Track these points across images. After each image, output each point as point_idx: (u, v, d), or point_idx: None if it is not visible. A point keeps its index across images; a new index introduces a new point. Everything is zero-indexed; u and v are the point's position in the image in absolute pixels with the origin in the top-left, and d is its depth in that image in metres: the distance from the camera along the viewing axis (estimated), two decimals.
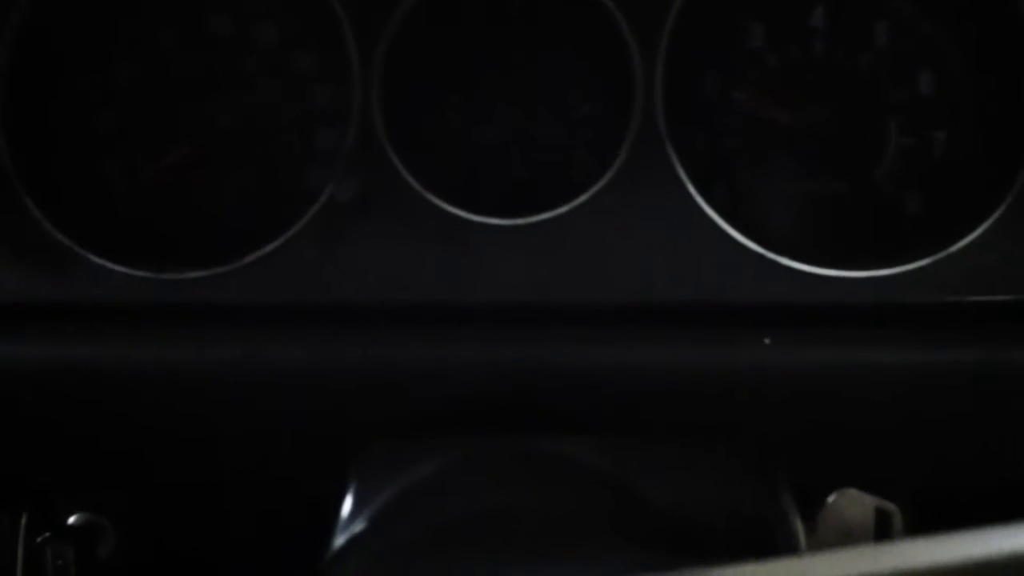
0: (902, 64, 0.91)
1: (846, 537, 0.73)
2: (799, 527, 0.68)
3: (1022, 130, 0.83)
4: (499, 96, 0.91)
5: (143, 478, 0.81)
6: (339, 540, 0.64)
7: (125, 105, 0.91)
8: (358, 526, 0.65)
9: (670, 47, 0.84)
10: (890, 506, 0.72)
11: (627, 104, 0.84)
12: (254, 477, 0.81)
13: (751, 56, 0.91)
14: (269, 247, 0.81)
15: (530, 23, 0.90)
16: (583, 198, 0.82)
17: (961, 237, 0.82)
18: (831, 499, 0.73)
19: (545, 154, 0.90)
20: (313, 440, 0.80)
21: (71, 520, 0.82)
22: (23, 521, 0.80)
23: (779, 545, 0.67)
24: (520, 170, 0.90)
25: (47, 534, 0.80)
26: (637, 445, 0.72)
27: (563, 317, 0.82)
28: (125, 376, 0.80)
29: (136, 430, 0.80)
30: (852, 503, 0.72)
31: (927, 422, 0.81)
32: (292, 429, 0.80)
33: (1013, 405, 0.81)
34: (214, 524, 0.84)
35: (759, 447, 0.77)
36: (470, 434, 0.76)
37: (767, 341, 0.80)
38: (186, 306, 0.80)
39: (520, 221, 0.82)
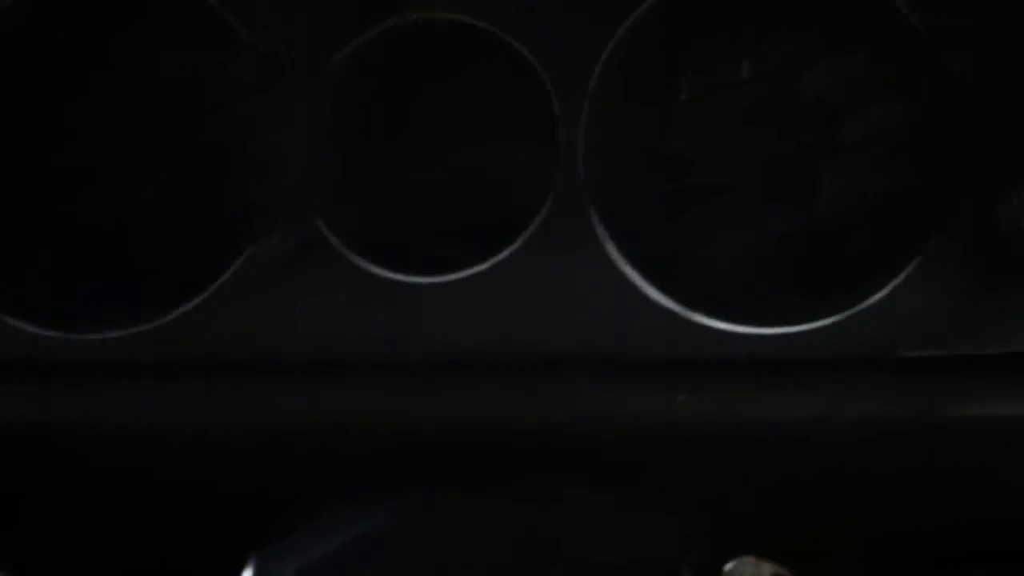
0: (833, 109, 0.91)
1: None
2: None
3: (937, 186, 0.82)
4: (429, 148, 0.91)
5: (55, 539, 0.82)
6: None
7: (53, 153, 0.91)
8: None
9: (594, 102, 0.84)
10: (785, 573, 0.72)
11: (551, 160, 0.84)
12: (170, 537, 0.82)
13: (681, 108, 0.92)
14: (191, 303, 0.82)
15: (461, 75, 0.91)
16: (503, 255, 0.83)
17: (878, 290, 0.82)
18: (728, 567, 0.74)
19: (472, 208, 0.91)
20: (227, 502, 0.81)
21: None
22: None
23: None
24: (448, 224, 0.91)
25: None
26: (542, 504, 0.72)
27: (482, 374, 0.83)
28: (39, 437, 0.81)
29: (51, 491, 0.82)
30: (748, 569, 0.73)
31: (838, 479, 0.82)
32: (210, 486, 0.81)
33: (921, 460, 0.81)
34: None
35: (666, 507, 0.78)
36: (386, 494, 0.77)
37: (681, 397, 0.81)
38: (104, 365, 0.81)
39: (440, 279, 0.83)
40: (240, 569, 0.75)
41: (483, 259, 0.83)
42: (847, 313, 0.81)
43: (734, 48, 0.91)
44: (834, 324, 0.81)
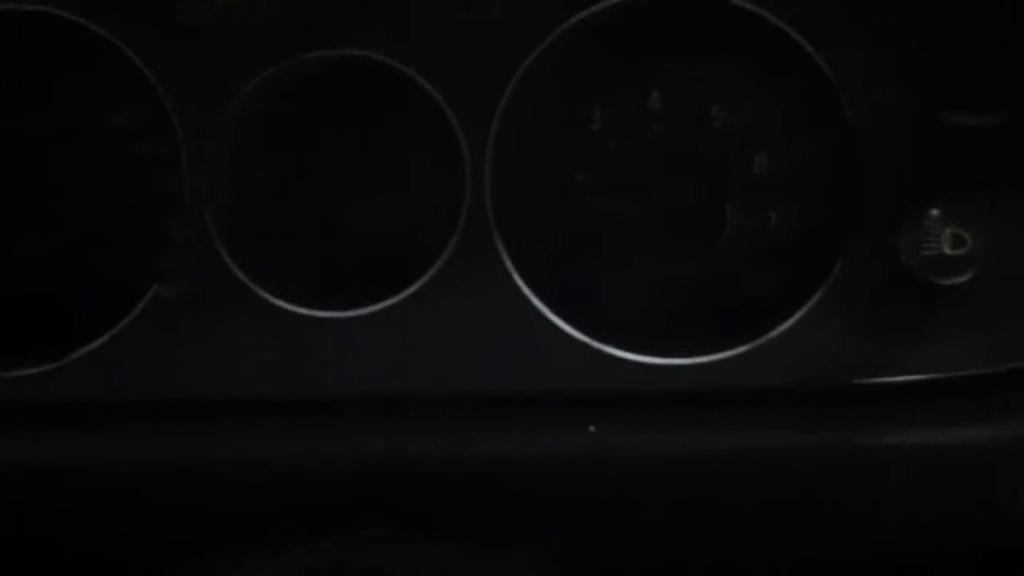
0: (737, 145, 0.92)
1: None
2: None
3: (844, 215, 0.84)
4: (336, 184, 0.91)
5: None
6: None
7: None
8: None
9: (500, 136, 0.85)
10: None
11: (458, 193, 0.85)
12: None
13: (590, 139, 0.92)
14: (95, 343, 0.81)
15: (366, 111, 0.91)
16: (412, 289, 0.83)
17: (782, 321, 0.83)
18: None
19: (386, 243, 0.91)
20: (136, 546, 0.80)
21: None
22: None
23: None
24: (360, 259, 0.91)
25: None
26: (451, 549, 0.72)
27: (395, 410, 0.83)
28: None
29: None
30: None
31: (748, 508, 0.83)
32: (119, 529, 0.80)
33: (828, 488, 0.82)
34: None
35: (580, 537, 0.79)
36: (298, 535, 0.77)
37: (592, 429, 0.81)
38: (10, 402, 0.80)
39: (349, 314, 0.83)
40: None
41: (393, 294, 0.83)
42: (753, 344, 0.82)
43: (642, 80, 0.92)
44: (741, 354, 0.82)
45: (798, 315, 0.82)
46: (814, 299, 0.82)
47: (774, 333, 0.82)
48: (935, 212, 0.78)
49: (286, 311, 0.82)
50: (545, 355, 0.82)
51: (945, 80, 0.83)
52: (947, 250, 0.77)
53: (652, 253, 0.92)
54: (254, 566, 0.71)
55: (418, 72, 0.84)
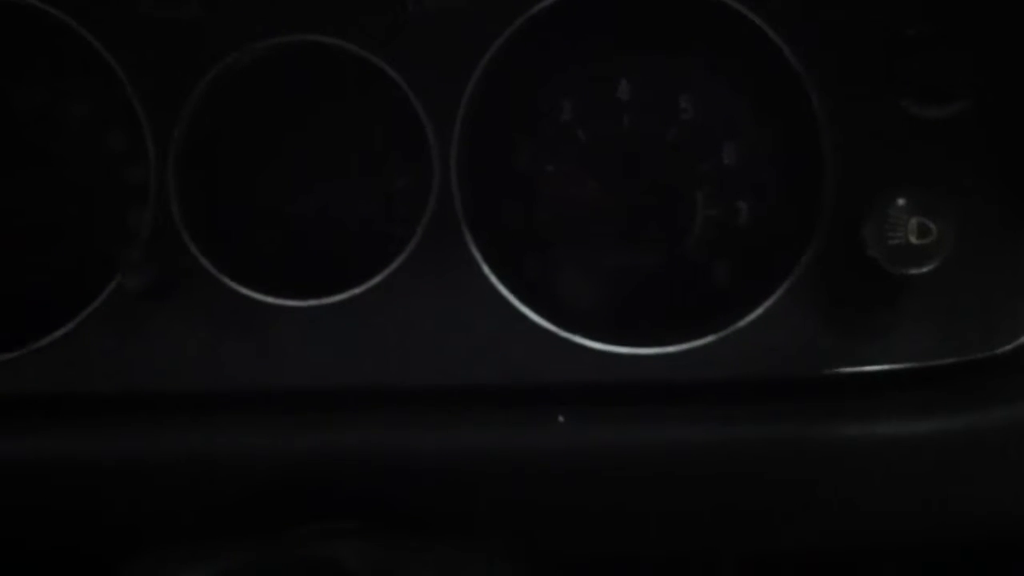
0: (706, 135, 0.92)
1: None
2: None
3: (810, 206, 0.84)
4: (302, 173, 0.91)
5: None
6: None
7: None
8: None
9: (468, 126, 0.84)
10: None
11: (425, 183, 0.84)
12: (29, 568, 0.80)
13: (560, 129, 0.92)
14: (59, 332, 0.81)
15: (331, 100, 0.90)
16: (378, 279, 0.83)
17: (750, 312, 0.83)
18: None
19: (352, 233, 0.90)
20: (95, 538, 0.79)
21: None
22: None
23: None
24: (327, 249, 0.90)
25: None
26: (405, 546, 0.72)
27: (360, 401, 0.82)
28: None
29: None
30: None
31: (715, 499, 0.83)
32: (75, 521, 0.79)
33: (798, 479, 0.82)
34: None
35: (546, 530, 0.78)
36: (264, 527, 0.76)
37: (561, 419, 0.81)
38: None
39: (316, 303, 0.82)
40: None
41: (358, 283, 0.83)
42: (720, 334, 0.82)
43: (611, 70, 0.91)
44: (708, 344, 0.82)
45: (765, 305, 0.82)
46: (781, 289, 0.82)
47: (741, 323, 0.82)
48: (901, 202, 0.78)
49: (252, 300, 0.82)
50: (512, 345, 0.82)
51: (908, 71, 0.83)
52: (913, 240, 0.78)
53: (620, 243, 0.92)
54: (210, 559, 0.71)
55: (384, 61, 0.84)
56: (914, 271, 0.77)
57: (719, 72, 0.92)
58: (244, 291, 0.82)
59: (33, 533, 0.81)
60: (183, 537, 0.77)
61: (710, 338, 0.82)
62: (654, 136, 0.93)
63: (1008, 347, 0.82)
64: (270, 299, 0.82)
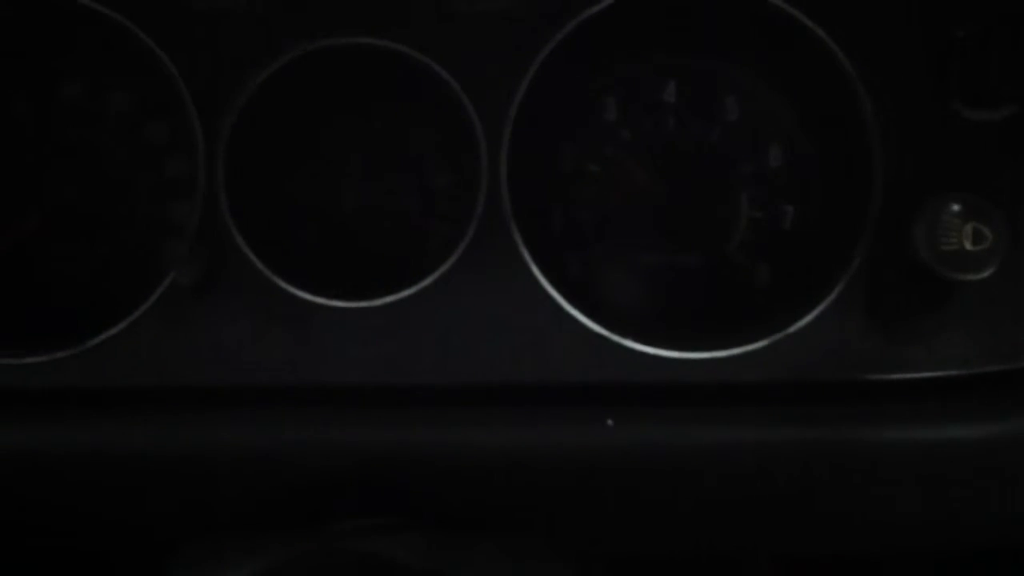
0: (752, 138, 0.92)
1: None
2: None
3: (859, 209, 0.83)
4: (350, 172, 0.91)
5: None
6: None
7: None
8: None
9: (517, 126, 0.84)
10: None
11: (474, 184, 0.84)
12: (79, 561, 0.80)
13: (606, 130, 0.92)
14: (112, 330, 0.81)
15: (381, 99, 0.90)
16: (428, 281, 0.83)
17: (801, 316, 0.83)
18: None
19: (397, 231, 0.90)
20: (147, 529, 0.79)
21: None
22: None
23: None
24: (371, 246, 0.90)
25: None
26: (458, 542, 0.72)
27: (408, 400, 0.82)
28: None
29: None
30: None
31: (764, 500, 0.83)
32: (127, 516, 0.79)
33: (842, 483, 0.82)
34: None
35: (594, 529, 0.78)
36: (308, 522, 0.76)
37: (609, 422, 0.81)
38: (24, 389, 0.79)
39: (365, 304, 0.82)
40: None
41: (409, 284, 0.83)
42: (773, 338, 0.82)
43: (659, 71, 0.91)
44: (759, 349, 0.82)
45: (817, 309, 0.82)
46: (833, 294, 0.82)
47: (792, 328, 0.82)
48: (955, 207, 0.78)
49: (302, 299, 0.82)
50: (562, 348, 0.82)
51: (958, 73, 0.83)
52: (968, 246, 0.77)
53: (664, 244, 0.92)
54: (265, 551, 0.71)
55: (436, 61, 0.83)
56: (969, 277, 0.77)
57: (766, 74, 0.92)
58: (294, 291, 0.82)
59: (84, 527, 0.81)
60: (230, 531, 0.76)
61: (762, 343, 0.82)
62: (699, 137, 0.92)
63: None
64: (320, 300, 0.82)
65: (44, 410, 0.81)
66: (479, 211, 0.83)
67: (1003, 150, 0.84)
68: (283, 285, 0.82)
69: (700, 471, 0.83)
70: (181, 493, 0.81)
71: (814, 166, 0.91)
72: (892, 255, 0.83)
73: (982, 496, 0.85)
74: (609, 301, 0.90)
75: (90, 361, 0.81)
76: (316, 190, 0.90)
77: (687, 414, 0.83)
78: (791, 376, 0.82)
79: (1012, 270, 0.81)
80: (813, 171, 0.92)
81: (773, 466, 0.83)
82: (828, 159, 0.91)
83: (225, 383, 0.82)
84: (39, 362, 0.81)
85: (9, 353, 0.81)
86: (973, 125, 0.84)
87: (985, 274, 0.77)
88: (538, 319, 0.83)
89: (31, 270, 0.90)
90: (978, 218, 0.78)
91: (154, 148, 0.90)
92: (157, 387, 0.82)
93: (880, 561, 0.91)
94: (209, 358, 0.82)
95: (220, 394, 0.82)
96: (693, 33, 0.90)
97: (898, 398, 0.83)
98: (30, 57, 0.90)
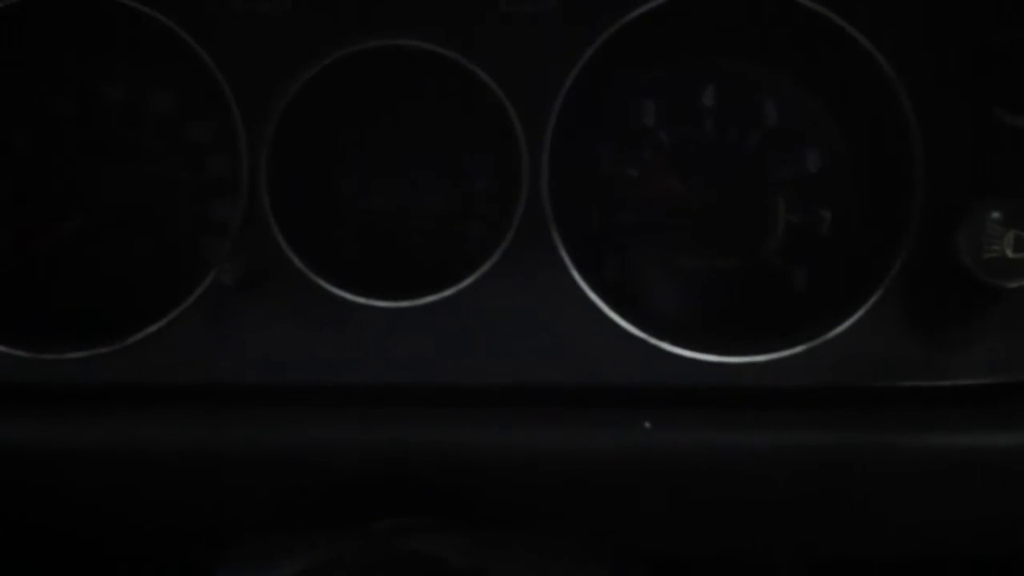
0: (790, 142, 0.92)
1: None
2: None
3: (900, 215, 0.83)
4: (390, 173, 0.91)
5: (14, 557, 0.80)
6: None
7: (10, 177, 0.90)
8: None
9: (558, 129, 0.84)
10: None
11: (515, 185, 0.84)
12: (123, 558, 0.80)
13: (644, 133, 0.92)
14: (153, 327, 0.81)
15: (421, 100, 0.90)
16: (468, 281, 0.83)
17: (839, 322, 0.83)
18: None
19: (436, 231, 0.91)
20: (190, 524, 0.80)
21: None
22: None
23: None
24: (410, 248, 0.91)
25: None
26: (502, 541, 0.72)
27: (445, 399, 0.82)
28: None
29: (10, 508, 0.80)
30: None
31: (801, 505, 0.83)
32: (168, 514, 0.80)
33: (886, 489, 0.82)
34: None
35: (631, 532, 0.78)
36: (346, 521, 0.77)
37: (647, 425, 0.81)
38: (66, 385, 0.80)
39: (405, 303, 0.83)
40: None
41: (449, 285, 0.83)
42: (812, 343, 0.82)
43: (698, 75, 0.91)
44: (798, 354, 0.82)
45: (857, 315, 0.82)
46: (872, 299, 0.82)
47: (831, 334, 0.82)
48: (997, 214, 0.77)
49: (342, 299, 0.82)
50: (600, 350, 0.82)
51: (999, 79, 0.83)
52: (1009, 253, 0.77)
53: (701, 247, 0.92)
54: (311, 549, 0.71)
55: (478, 63, 0.84)
56: (1011, 284, 0.77)
57: (805, 78, 0.91)
58: (334, 291, 0.82)
59: (125, 524, 0.82)
60: (271, 530, 0.77)
61: (800, 347, 0.82)
62: (737, 141, 0.92)
63: None
64: (360, 299, 0.82)
65: (86, 407, 0.81)
66: (519, 213, 0.83)
67: None
68: (324, 284, 0.82)
69: (737, 475, 0.83)
70: (220, 492, 0.81)
71: (852, 171, 0.91)
72: (932, 261, 0.82)
73: (1021, 502, 0.84)
74: (646, 304, 0.90)
75: (131, 357, 0.81)
76: (356, 190, 0.91)
77: (724, 418, 0.83)
78: (830, 381, 0.82)
79: None
80: (851, 176, 0.91)
81: (810, 471, 0.83)
82: (866, 164, 0.91)
83: (265, 382, 0.82)
84: (81, 358, 0.81)
85: (52, 349, 0.81)
86: (1014, 131, 0.84)
87: None
88: (576, 321, 0.83)
89: (74, 268, 0.90)
90: (1019, 225, 0.77)
91: (196, 147, 0.90)
92: (197, 385, 0.82)
93: (914, 565, 0.91)
94: (249, 356, 0.82)
95: (260, 393, 0.82)
96: (733, 37, 0.90)
97: (938, 404, 0.83)
98: (73, 57, 0.90)
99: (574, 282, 0.83)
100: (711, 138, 0.93)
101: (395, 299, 0.82)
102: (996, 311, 0.82)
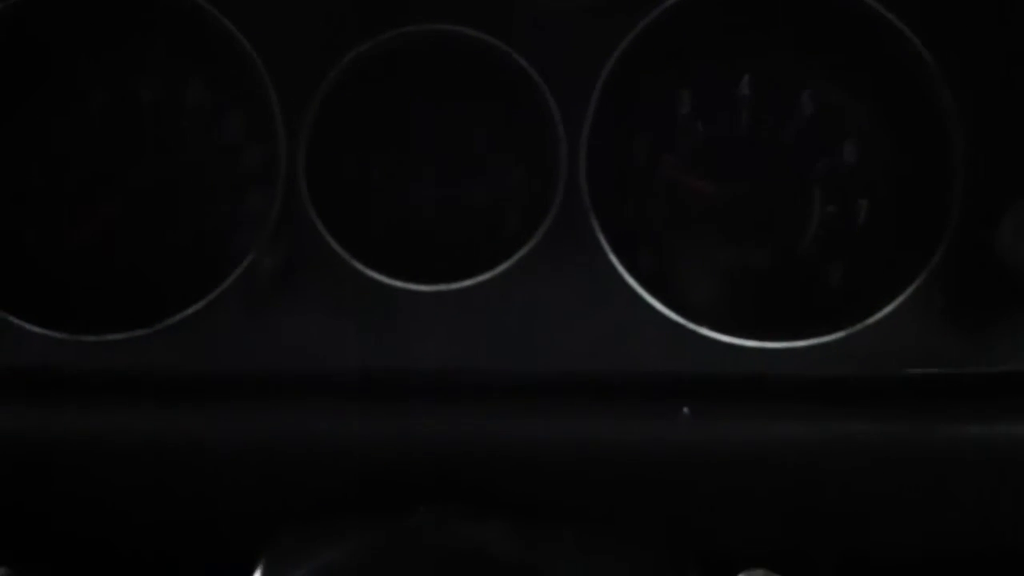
0: (826, 133, 0.92)
1: None
2: None
3: (940, 206, 0.83)
4: (428, 160, 0.91)
5: (52, 544, 0.80)
6: None
7: (50, 165, 0.90)
8: None
9: (596, 117, 0.84)
10: None
11: (553, 172, 0.84)
12: (163, 548, 0.80)
13: (679, 123, 0.92)
14: (189, 311, 0.81)
15: (459, 88, 0.90)
16: (505, 266, 0.83)
17: (878, 310, 0.83)
18: None
19: (474, 218, 0.90)
20: (227, 513, 0.79)
21: None
22: None
23: None
24: (448, 234, 0.90)
25: None
26: (545, 530, 0.72)
27: (483, 387, 0.82)
28: (39, 439, 0.79)
29: (50, 495, 0.80)
30: None
31: (841, 495, 0.82)
32: (206, 501, 0.80)
33: (925, 478, 0.82)
34: None
35: (671, 522, 0.78)
36: (387, 510, 0.76)
37: (686, 411, 0.81)
38: (103, 369, 0.80)
39: (443, 288, 0.82)
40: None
41: (486, 270, 0.83)
42: (851, 330, 0.82)
43: (735, 65, 0.91)
44: (836, 341, 0.82)
45: (895, 303, 0.82)
46: (911, 288, 0.82)
47: (870, 320, 0.81)
48: None
49: (380, 283, 0.82)
50: (639, 335, 0.82)
51: None
52: None
53: (736, 237, 0.92)
54: (354, 537, 0.71)
55: (516, 51, 0.84)
56: None
57: (843, 69, 0.91)
58: (373, 275, 0.82)
59: (160, 513, 0.82)
60: (310, 518, 0.76)
61: (839, 334, 0.82)
62: (773, 132, 0.92)
63: None
64: (397, 283, 0.82)
65: (122, 393, 0.81)
66: (558, 200, 0.83)
67: None
68: (362, 268, 0.82)
69: (778, 464, 0.82)
70: (258, 479, 0.81)
71: (889, 162, 0.91)
72: (970, 251, 0.82)
73: None
74: (681, 294, 0.90)
75: (167, 341, 0.81)
76: (394, 178, 0.91)
77: (763, 406, 0.82)
78: (868, 369, 0.82)
79: None
80: (888, 167, 0.91)
81: (848, 460, 0.82)
82: (904, 155, 0.90)
83: (303, 367, 0.82)
84: (118, 340, 0.81)
85: (89, 331, 0.81)
86: None
87: None
88: (615, 308, 0.83)
89: (112, 253, 0.90)
90: None
91: (235, 134, 0.90)
92: (234, 371, 0.81)
93: (948, 560, 0.90)
94: (287, 342, 0.82)
95: (298, 378, 0.81)
96: (770, 27, 0.90)
97: (976, 394, 0.83)
98: (109, 46, 0.90)
99: (613, 268, 0.83)
100: (747, 129, 0.92)
101: (426, 283, 0.82)
102: None
